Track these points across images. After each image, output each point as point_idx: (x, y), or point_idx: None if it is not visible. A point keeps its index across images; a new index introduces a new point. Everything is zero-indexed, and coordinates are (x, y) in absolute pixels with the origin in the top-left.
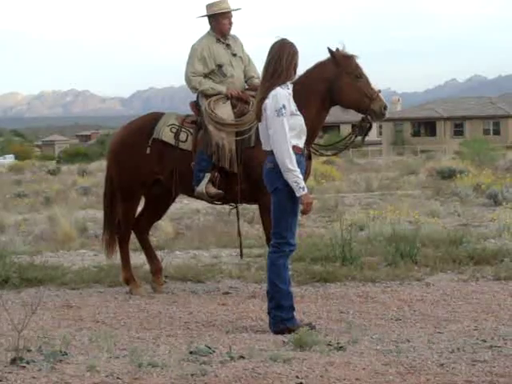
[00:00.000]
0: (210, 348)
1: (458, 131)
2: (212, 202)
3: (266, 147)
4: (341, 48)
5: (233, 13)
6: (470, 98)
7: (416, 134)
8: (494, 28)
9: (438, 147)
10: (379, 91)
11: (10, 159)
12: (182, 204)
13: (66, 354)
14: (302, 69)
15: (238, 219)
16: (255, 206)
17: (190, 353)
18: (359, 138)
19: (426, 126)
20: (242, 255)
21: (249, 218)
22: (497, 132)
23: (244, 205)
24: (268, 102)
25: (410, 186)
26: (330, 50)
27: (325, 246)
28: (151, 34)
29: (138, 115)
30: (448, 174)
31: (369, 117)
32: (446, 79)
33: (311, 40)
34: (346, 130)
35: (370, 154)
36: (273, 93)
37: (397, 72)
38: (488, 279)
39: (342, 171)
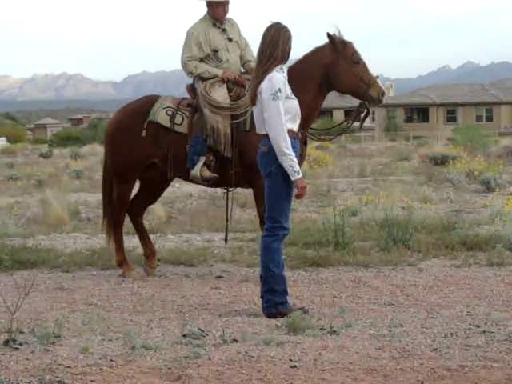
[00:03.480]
0: (203, 331)
1: (451, 117)
2: (206, 186)
3: (260, 131)
4: (338, 33)
5: (230, 0)
6: (462, 84)
7: (409, 120)
8: (487, 15)
9: (431, 133)
10: (377, 77)
11: (1, 142)
12: (175, 188)
13: (59, 336)
14: (295, 54)
15: (228, 204)
16: (248, 190)
17: (183, 336)
18: (356, 123)
19: (419, 113)
20: (226, 240)
21: (241, 202)
22: (489, 118)
23: (237, 189)
24: (264, 85)
25: (403, 172)
26: (328, 35)
27: (317, 230)
28: (144, 17)
29: (130, 99)
30: (441, 160)
31: (366, 102)
32: (439, 66)
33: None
34: (338, 115)
35: (362, 139)
36: (269, 76)
37: (390, 58)
38: (480, 265)
39: (334, 157)
